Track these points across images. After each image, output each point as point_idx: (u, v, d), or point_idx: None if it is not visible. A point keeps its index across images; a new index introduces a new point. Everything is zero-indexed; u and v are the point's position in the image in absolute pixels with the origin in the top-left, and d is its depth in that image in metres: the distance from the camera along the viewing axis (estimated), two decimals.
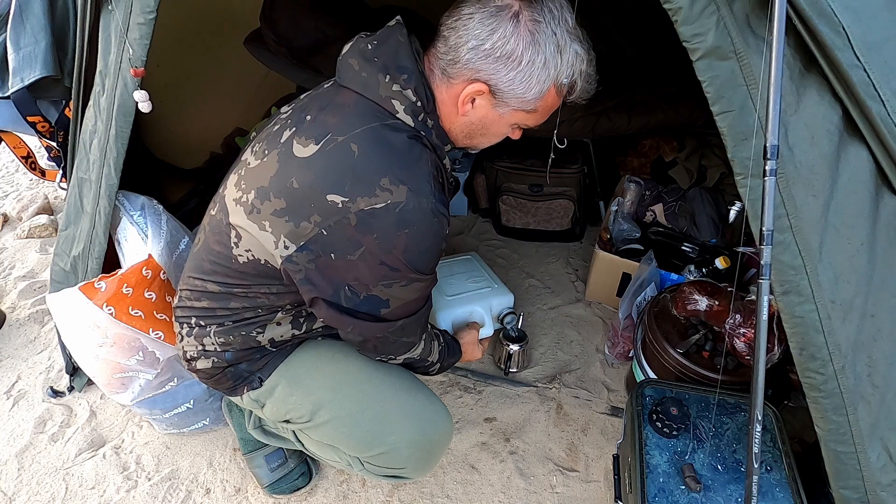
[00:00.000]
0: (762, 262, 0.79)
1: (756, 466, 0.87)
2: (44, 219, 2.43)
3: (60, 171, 1.53)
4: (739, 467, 1.14)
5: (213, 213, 1.05)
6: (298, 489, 1.40)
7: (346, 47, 0.98)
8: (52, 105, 1.42)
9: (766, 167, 0.75)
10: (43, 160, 1.90)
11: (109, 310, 1.26)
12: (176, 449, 1.53)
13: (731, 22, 0.76)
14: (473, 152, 1.15)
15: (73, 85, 1.29)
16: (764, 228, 0.78)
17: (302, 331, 1.11)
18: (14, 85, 1.32)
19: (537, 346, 1.82)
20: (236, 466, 1.48)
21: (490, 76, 0.90)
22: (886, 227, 0.88)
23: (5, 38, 1.33)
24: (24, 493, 1.43)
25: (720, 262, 1.72)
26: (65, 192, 1.44)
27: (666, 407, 1.21)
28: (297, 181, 0.89)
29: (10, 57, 1.32)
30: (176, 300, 1.13)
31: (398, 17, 0.98)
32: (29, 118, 1.38)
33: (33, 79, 1.30)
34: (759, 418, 0.85)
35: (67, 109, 1.40)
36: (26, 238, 2.37)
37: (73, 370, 1.64)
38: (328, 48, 1.86)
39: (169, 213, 1.46)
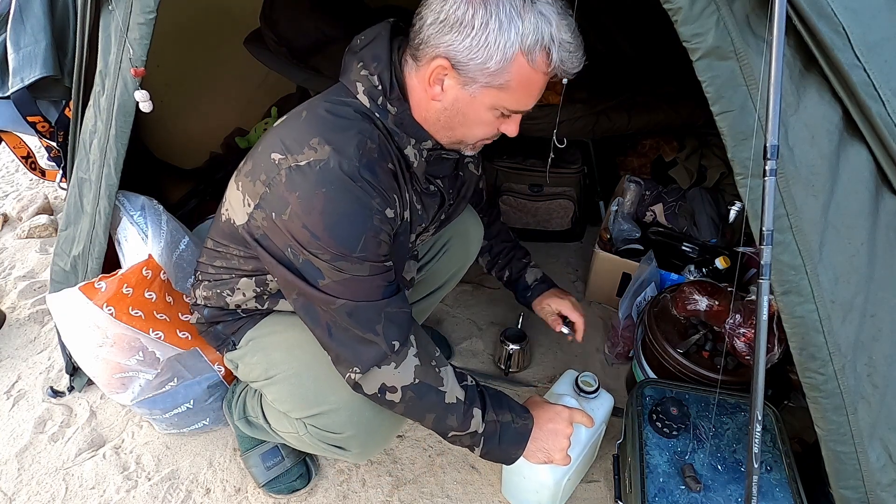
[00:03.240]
0: (762, 262, 0.79)
1: (756, 466, 0.87)
2: (44, 219, 2.43)
3: (60, 171, 1.53)
4: (739, 467, 1.14)
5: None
6: (296, 491, 1.40)
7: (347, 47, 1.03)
8: (52, 105, 1.42)
9: (766, 167, 0.75)
10: (43, 160, 1.90)
11: (109, 310, 1.26)
12: (176, 449, 1.53)
13: (731, 22, 0.76)
14: (470, 153, 1.09)
15: (73, 85, 1.29)
16: (764, 228, 0.78)
17: (264, 307, 1.16)
18: (14, 85, 1.32)
19: (537, 346, 1.82)
20: (236, 466, 1.48)
21: (448, 48, 0.87)
22: (886, 227, 0.88)
23: (5, 38, 1.33)
24: (24, 493, 1.43)
25: (720, 262, 1.72)
26: (65, 192, 1.44)
27: (666, 407, 1.21)
28: (262, 145, 0.98)
29: (10, 57, 1.32)
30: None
31: (391, 19, 1.00)
32: (29, 118, 1.38)
33: (33, 79, 1.30)
34: (759, 418, 0.85)
35: (67, 109, 1.40)
36: (26, 238, 2.37)
37: (73, 370, 1.64)
38: (328, 48, 1.86)
39: (169, 213, 1.46)
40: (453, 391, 1.03)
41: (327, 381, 1.09)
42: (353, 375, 1.00)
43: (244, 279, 1.11)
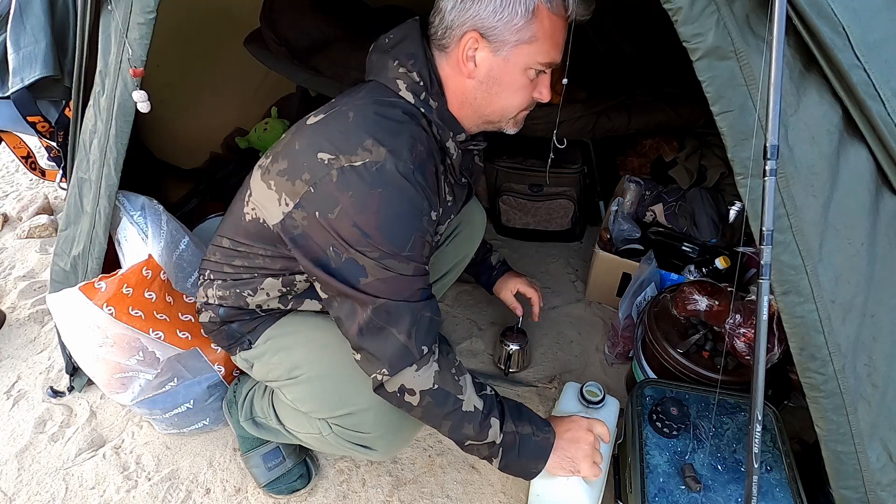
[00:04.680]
0: (762, 262, 0.79)
1: (756, 466, 0.87)
2: (44, 219, 2.43)
3: (60, 171, 1.53)
4: (739, 467, 1.14)
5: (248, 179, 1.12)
6: (296, 491, 1.40)
7: (371, 47, 1.06)
8: (52, 105, 1.42)
9: (766, 167, 0.75)
10: (43, 160, 1.90)
11: (109, 310, 1.26)
12: (176, 449, 1.53)
13: (731, 22, 0.76)
14: (513, 131, 1.10)
15: (73, 85, 1.28)
16: (764, 228, 0.78)
17: (287, 307, 1.16)
18: (14, 85, 1.32)
19: (537, 346, 1.82)
20: (236, 466, 1.48)
21: (474, 20, 0.92)
22: (887, 227, 0.88)
23: (5, 38, 1.33)
24: (24, 493, 1.43)
25: (720, 262, 1.72)
26: (65, 192, 1.44)
27: (666, 407, 1.21)
28: (299, 143, 0.98)
29: (10, 57, 1.32)
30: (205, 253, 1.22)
31: (416, 17, 1.03)
32: (29, 118, 1.38)
33: (33, 79, 1.30)
34: (759, 418, 0.85)
35: (67, 109, 1.40)
36: (26, 238, 2.37)
37: (73, 370, 1.64)
38: (328, 48, 1.86)
39: (169, 213, 1.46)
40: (471, 400, 1.02)
41: (353, 382, 1.10)
42: (379, 377, 1.00)
43: (269, 279, 1.10)
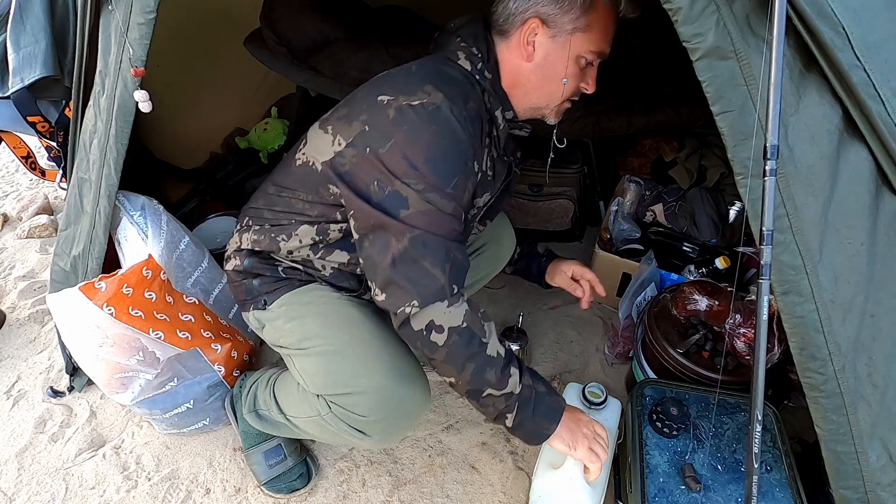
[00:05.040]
0: (762, 262, 0.79)
1: (756, 466, 0.87)
2: (44, 219, 2.43)
3: (60, 171, 1.53)
4: (739, 467, 1.14)
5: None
6: (295, 490, 1.40)
7: (437, 34, 1.17)
8: (52, 105, 1.42)
9: (766, 167, 0.75)
10: (43, 160, 1.90)
11: (109, 310, 1.26)
12: (176, 449, 1.53)
13: (731, 22, 0.76)
14: (553, 120, 1.18)
15: (73, 85, 1.29)
16: (764, 228, 0.78)
17: (317, 255, 1.18)
18: (14, 85, 1.32)
19: (537, 346, 1.82)
20: (236, 466, 1.48)
21: (537, 7, 1.01)
22: (887, 227, 0.88)
23: (5, 38, 1.33)
24: (24, 493, 1.43)
25: (720, 262, 1.72)
26: (65, 192, 1.44)
27: (666, 407, 1.21)
28: (361, 92, 1.09)
29: (10, 57, 1.32)
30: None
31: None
32: (29, 118, 1.38)
33: (33, 79, 1.30)
34: (759, 418, 0.85)
35: (67, 109, 1.40)
36: (26, 238, 2.37)
37: (73, 370, 1.64)
38: (328, 48, 1.86)
39: (169, 213, 1.46)
40: (494, 345, 1.04)
41: (362, 364, 1.12)
42: (407, 309, 0.99)
43: (305, 226, 1.14)
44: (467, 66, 1.07)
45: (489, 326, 1.05)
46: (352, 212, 1.05)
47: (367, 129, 1.00)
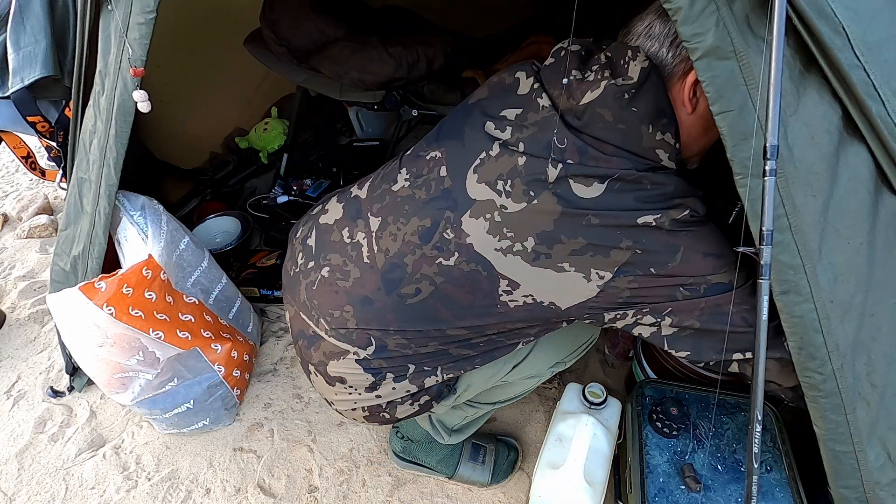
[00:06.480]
0: (762, 263, 0.79)
1: (756, 466, 0.87)
2: (44, 219, 2.43)
3: (60, 171, 1.53)
4: (739, 467, 1.14)
5: (447, 262, 0.96)
6: (515, 463, 1.45)
7: None
8: (52, 105, 1.42)
9: (766, 167, 0.75)
10: (43, 160, 1.90)
11: (109, 310, 1.26)
12: (176, 449, 1.53)
13: (730, 22, 0.76)
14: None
15: (73, 85, 1.29)
16: (764, 228, 0.78)
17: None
18: (14, 85, 1.32)
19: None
20: (236, 466, 1.48)
21: None
22: (886, 227, 0.88)
23: (5, 38, 1.33)
24: (24, 493, 1.43)
25: None
26: (65, 192, 1.44)
27: (666, 407, 1.21)
28: (596, 218, 0.88)
29: (10, 57, 1.32)
30: (394, 349, 1.05)
31: None
32: (29, 118, 1.38)
33: (33, 79, 1.30)
34: (759, 418, 0.85)
35: (67, 109, 1.40)
36: (26, 238, 2.37)
37: (73, 370, 1.64)
38: (328, 48, 1.86)
39: (169, 213, 1.46)
40: None
41: (574, 327, 1.13)
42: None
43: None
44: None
45: None
46: (679, 314, 0.98)
47: (640, 252, 0.90)
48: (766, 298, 0.80)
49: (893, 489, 0.94)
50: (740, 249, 0.84)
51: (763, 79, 0.75)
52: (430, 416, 1.35)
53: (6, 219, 2.51)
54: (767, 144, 0.75)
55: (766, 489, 1.10)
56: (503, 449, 1.45)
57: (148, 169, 2.19)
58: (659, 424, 1.20)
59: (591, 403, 1.28)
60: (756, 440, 0.86)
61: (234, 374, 1.51)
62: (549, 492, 1.19)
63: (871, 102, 0.80)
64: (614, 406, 1.31)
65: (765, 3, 0.74)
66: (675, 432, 1.19)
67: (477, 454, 1.42)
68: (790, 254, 0.84)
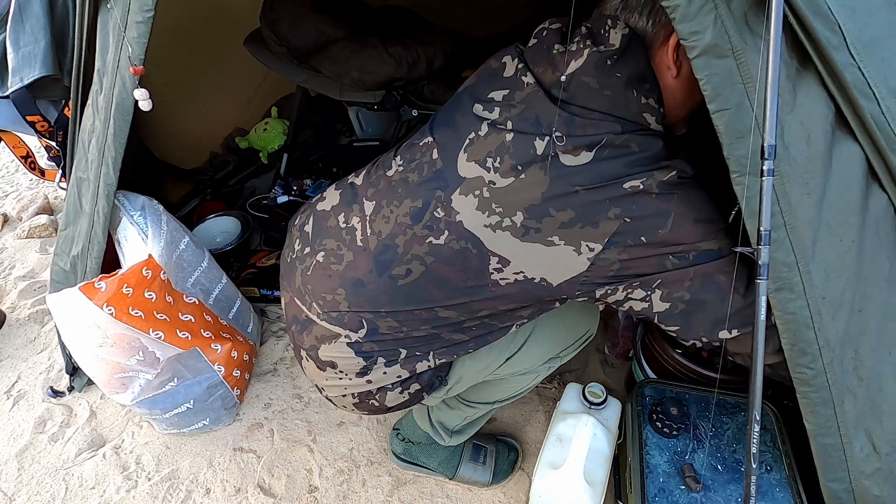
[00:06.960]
0: (760, 263, 0.79)
1: (755, 466, 0.87)
2: (44, 219, 2.43)
3: (60, 171, 1.54)
4: (739, 467, 1.14)
5: (437, 241, 0.95)
6: (515, 463, 1.45)
7: None
8: (52, 105, 1.42)
9: (763, 167, 0.75)
10: (42, 160, 1.91)
11: (109, 310, 1.26)
12: (176, 449, 1.53)
13: (728, 20, 0.76)
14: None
15: (72, 84, 1.29)
16: (762, 228, 0.78)
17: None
18: (14, 85, 1.32)
19: None
20: (236, 466, 1.48)
21: None
22: (875, 223, 0.88)
23: (5, 38, 1.33)
24: (24, 493, 1.43)
25: None
26: (64, 191, 1.44)
27: (666, 407, 1.21)
28: (584, 189, 0.88)
29: (10, 57, 1.33)
30: (386, 333, 1.04)
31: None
32: (28, 118, 1.38)
33: (33, 78, 1.30)
34: (758, 418, 0.85)
35: (67, 109, 1.40)
36: (26, 238, 2.37)
37: (73, 370, 1.65)
38: (328, 48, 1.86)
39: (169, 213, 1.47)
40: None
41: (570, 319, 1.19)
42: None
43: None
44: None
45: None
46: (669, 285, 0.98)
47: (629, 220, 0.89)
48: (764, 299, 0.80)
49: (877, 478, 0.95)
50: (738, 250, 0.84)
51: (760, 77, 0.75)
52: (429, 417, 1.36)
53: (6, 219, 2.51)
54: (765, 144, 0.75)
55: (766, 489, 1.10)
56: (503, 449, 1.45)
57: (148, 169, 2.19)
58: (659, 424, 1.20)
59: (591, 403, 1.28)
60: (754, 440, 0.86)
61: (234, 374, 1.52)
62: (549, 492, 1.19)
63: (865, 101, 0.80)
64: (614, 406, 1.32)
65: (762, 1, 0.74)
66: (674, 432, 1.19)
67: (478, 455, 1.42)
68: (784, 251, 0.84)
